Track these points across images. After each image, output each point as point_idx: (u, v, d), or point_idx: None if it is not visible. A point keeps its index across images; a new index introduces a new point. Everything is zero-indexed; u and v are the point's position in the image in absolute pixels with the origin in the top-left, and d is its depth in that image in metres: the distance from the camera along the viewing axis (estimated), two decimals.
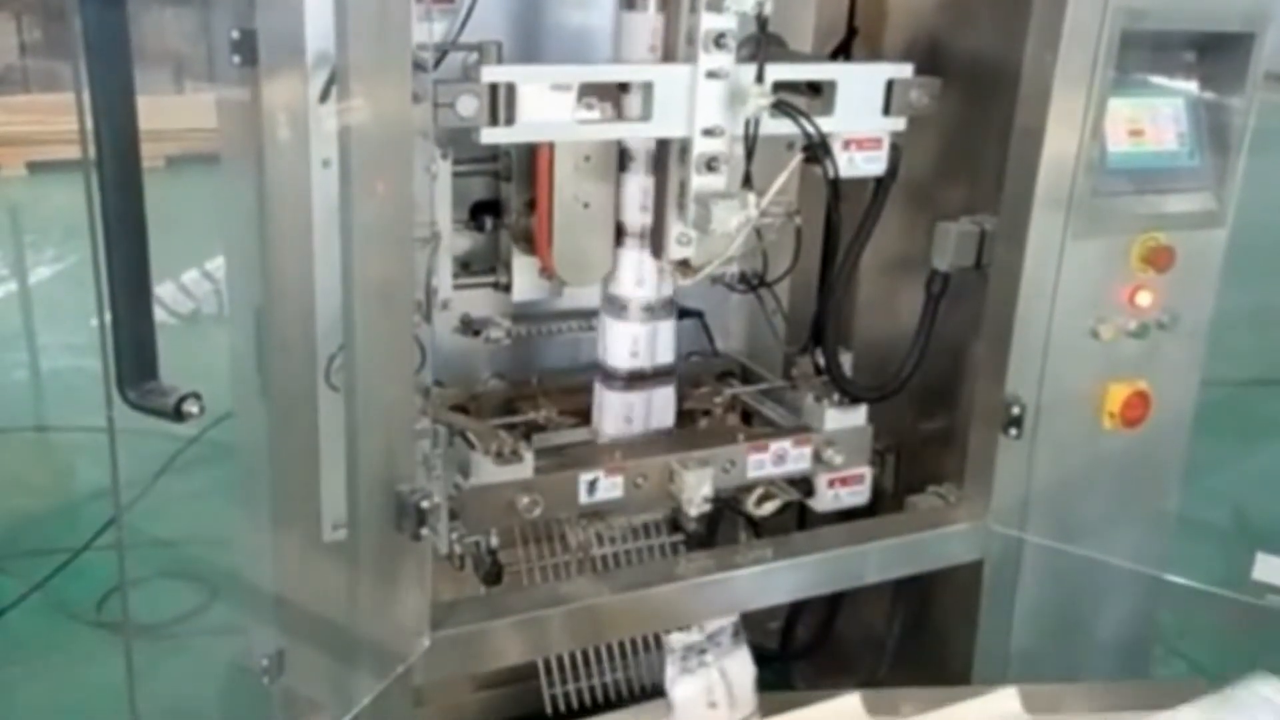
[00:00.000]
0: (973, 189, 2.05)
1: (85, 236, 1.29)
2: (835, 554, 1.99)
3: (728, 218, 1.82)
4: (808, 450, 2.07)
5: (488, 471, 1.85)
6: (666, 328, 2.03)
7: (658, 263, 1.96)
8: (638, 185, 1.92)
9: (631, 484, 1.95)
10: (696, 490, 1.94)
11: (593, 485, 1.93)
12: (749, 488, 2.07)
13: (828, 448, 2.07)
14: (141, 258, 1.32)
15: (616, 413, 2.04)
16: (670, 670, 1.96)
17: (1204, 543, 2.71)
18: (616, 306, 2.00)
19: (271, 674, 1.57)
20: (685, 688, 1.94)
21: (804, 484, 2.11)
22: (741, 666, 1.98)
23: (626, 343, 2.01)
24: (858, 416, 2.10)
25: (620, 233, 1.95)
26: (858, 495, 2.13)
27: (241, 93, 1.48)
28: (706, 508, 1.97)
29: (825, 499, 2.11)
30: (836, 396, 2.08)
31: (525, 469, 1.87)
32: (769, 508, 2.09)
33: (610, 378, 2.04)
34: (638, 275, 1.97)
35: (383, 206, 1.46)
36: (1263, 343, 4.17)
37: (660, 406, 2.06)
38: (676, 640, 1.96)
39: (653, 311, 1.99)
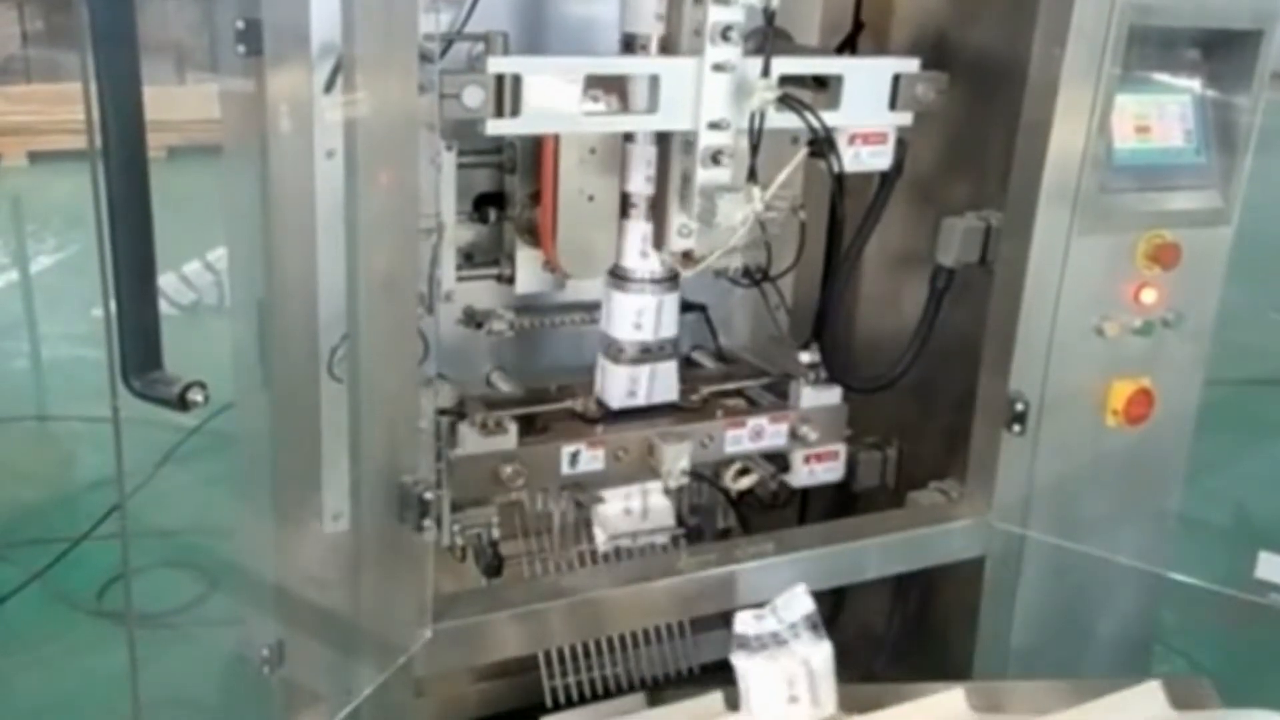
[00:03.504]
0: (978, 184, 2.05)
1: (86, 226, 1.29)
2: (836, 549, 1.99)
3: (732, 211, 1.81)
4: (784, 427, 2.11)
5: (473, 442, 1.90)
6: (671, 301, 2.03)
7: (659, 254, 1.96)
8: (643, 155, 1.91)
9: (612, 456, 1.99)
10: (675, 463, 1.97)
11: (575, 457, 1.97)
12: (727, 462, 2.11)
13: (803, 424, 2.11)
14: (146, 247, 1.32)
15: (620, 386, 2.03)
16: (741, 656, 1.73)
17: (1206, 541, 2.71)
18: (622, 279, 2.00)
19: (271, 664, 1.57)
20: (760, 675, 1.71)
21: (781, 460, 2.15)
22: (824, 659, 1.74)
23: (631, 315, 2.01)
24: (833, 395, 2.13)
25: (625, 204, 1.94)
26: (832, 472, 2.18)
27: (246, 83, 1.47)
28: (684, 480, 2.01)
29: (801, 475, 2.16)
30: (813, 375, 2.11)
31: (509, 440, 1.91)
32: (746, 482, 2.14)
33: (614, 350, 2.03)
34: (643, 248, 1.96)
35: (387, 198, 1.46)
36: (1267, 342, 4.16)
37: (663, 380, 2.06)
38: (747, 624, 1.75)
39: (658, 284, 1.99)
